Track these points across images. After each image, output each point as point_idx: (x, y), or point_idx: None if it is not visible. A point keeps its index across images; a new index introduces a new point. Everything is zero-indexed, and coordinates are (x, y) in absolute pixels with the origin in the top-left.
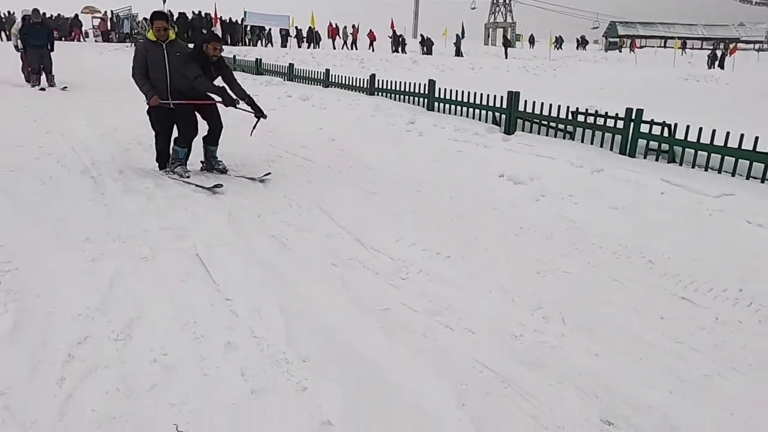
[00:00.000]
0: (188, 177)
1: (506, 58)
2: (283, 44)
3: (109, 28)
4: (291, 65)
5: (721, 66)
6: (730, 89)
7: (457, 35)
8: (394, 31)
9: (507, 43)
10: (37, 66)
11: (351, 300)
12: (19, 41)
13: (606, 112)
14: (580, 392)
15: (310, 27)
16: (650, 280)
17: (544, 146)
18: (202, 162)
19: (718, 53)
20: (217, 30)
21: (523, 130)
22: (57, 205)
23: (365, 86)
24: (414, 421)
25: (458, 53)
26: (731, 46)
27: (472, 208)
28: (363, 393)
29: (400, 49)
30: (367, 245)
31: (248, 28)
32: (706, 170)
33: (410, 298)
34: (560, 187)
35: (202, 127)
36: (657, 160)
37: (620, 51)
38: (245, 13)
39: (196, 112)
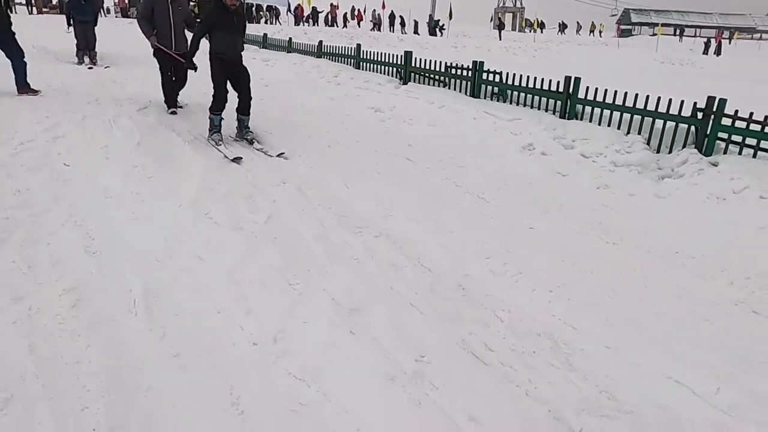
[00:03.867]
0: (220, 145)
1: (500, 39)
2: (296, 23)
3: (128, 4)
4: (265, 35)
5: (718, 53)
6: (697, 71)
7: (430, 15)
8: (391, 12)
9: (501, 26)
10: (83, 42)
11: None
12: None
13: (463, 65)
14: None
15: (308, 6)
16: (431, 162)
17: (419, 91)
18: (236, 129)
19: (714, 41)
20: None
21: (415, 82)
22: None
23: (314, 50)
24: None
25: (432, 33)
26: (717, 34)
27: (347, 125)
28: None
29: (393, 28)
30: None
31: (254, 8)
32: (517, 105)
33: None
34: (405, 115)
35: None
36: (494, 99)
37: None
38: None
39: (228, 80)
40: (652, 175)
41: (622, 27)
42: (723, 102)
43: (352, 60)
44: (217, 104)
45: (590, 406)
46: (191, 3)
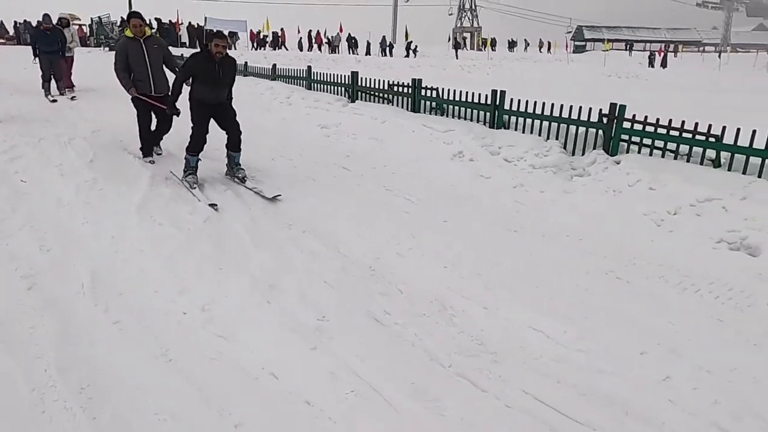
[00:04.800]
0: (195, 189)
1: (457, 58)
2: (254, 47)
3: (87, 34)
4: None
5: (663, 65)
6: (641, 83)
7: (383, 37)
8: (348, 34)
9: (457, 45)
10: (48, 74)
11: None
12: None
13: (404, 83)
14: None
15: (261, 31)
16: (366, 170)
17: (364, 108)
18: (227, 166)
19: (658, 55)
20: (183, 34)
21: (362, 100)
22: None
23: (269, 73)
24: None
25: (384, 54)
26: (660, 47)
27: (295, 141)
28: None
29: (353, 50)
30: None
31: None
32: (453, 117)
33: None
34: (350, 130)
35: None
36: (433, 113)
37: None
38: (205, 18)
39: (212, 118)
40: (565, 175)
41: (576, 43)
42: (623, 108)
43: (304, 81)
44: (195, 144)
45: (461, 350)
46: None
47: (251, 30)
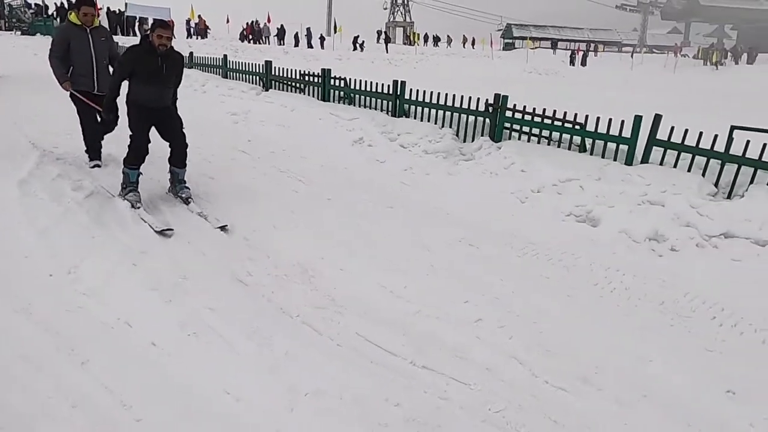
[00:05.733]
0: (139, 207)
1: (387, 52)
2: (188, 36)
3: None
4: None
5: (583, 64)
6: (557, 79)
7: (308, 29)
8: (282, 26)
9: (387, 40)
10: None
11: None
12: None
13: (315, 73)
14: None
15: (189, 18)
16: (264, 153)
17: (276, 97)
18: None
19: (576, 54)
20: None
21: (276, 89)
22: None
23: (187, 61)
24: None
25: (309, 46)
26: (577, 47)
27: (203, 127)
28: None
29: (282, 42)
30: None
31: (137, 20)
32: (360, 106)
33: None
34: (259, 118)
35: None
36: (342, 102)
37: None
38: (126, 4)
39: (153, 126)
40: (454, 159)
41: (506, 41)
42: (506, 98)
43: (220, 70)
44: (134, 155)
45: (311, 304)
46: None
47: (171, 19)
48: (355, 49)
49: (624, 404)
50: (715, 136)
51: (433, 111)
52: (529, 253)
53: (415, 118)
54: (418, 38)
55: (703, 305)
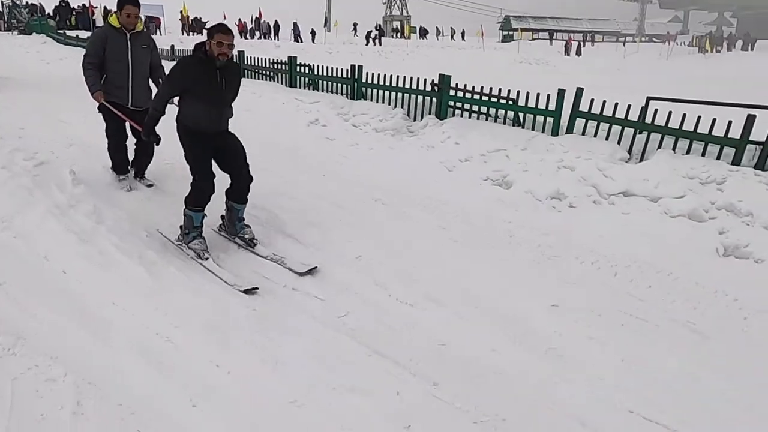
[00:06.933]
0: (207, 259)
1: (381, 45)
2: (183, 32)
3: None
4: None
5: (578, 53)
6: (548, 68)
7: (294, 23)
8: (276, 21)
9: (381, 33)
10: None
11: None
12: None
13: (283, 61)
14: None
15: (185, 16)
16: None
17: (248, 85)
18: (222, 218)
19: (573, 44)
20: (98, 19)
21: (249, 77)
22: None
23: (167, 54)
24: None
25: (296, 40)
26: (570, 37)
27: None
28: None
29: (276, 36)
30: None
31: None
32: (323, 91)
33: None
34: None
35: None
36: (308, 88)
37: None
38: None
39: (213, 156)
40: (401, 136)
41: (504, 33)
42: (448, 78)
43: None
44: (198, 195)
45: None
46: None
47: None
48: (367, 43)
49: (462, 316)
50: (629, 106)
51: (387, 93)
52: (438, 211)
53: (372, 100)
54: (414, 31)
55: (574, 248)
